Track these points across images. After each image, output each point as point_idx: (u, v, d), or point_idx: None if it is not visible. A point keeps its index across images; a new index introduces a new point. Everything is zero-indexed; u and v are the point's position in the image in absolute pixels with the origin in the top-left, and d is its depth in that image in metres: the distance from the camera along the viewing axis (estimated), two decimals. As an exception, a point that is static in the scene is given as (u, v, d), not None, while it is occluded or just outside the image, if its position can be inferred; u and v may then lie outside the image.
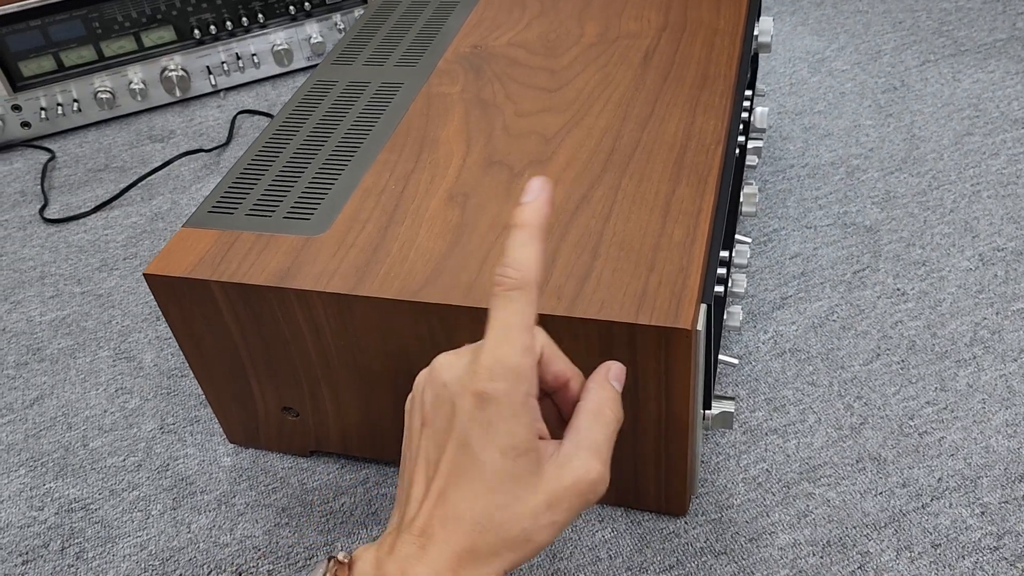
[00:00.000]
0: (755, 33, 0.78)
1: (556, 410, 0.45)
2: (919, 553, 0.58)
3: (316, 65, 1.20)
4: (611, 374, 0.44)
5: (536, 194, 0.39)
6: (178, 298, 0.59)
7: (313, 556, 0.63)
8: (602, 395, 0.43)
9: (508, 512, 0.38)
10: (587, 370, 0.53)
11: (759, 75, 1.07)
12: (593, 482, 0.39)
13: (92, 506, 0.68)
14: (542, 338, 0.43)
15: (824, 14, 1.18)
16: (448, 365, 0.40)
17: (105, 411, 0.76)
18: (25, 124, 1.11)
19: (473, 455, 0.38)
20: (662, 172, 0.60)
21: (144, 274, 0.59)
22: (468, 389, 0.38)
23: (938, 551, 0.58)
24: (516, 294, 0.38)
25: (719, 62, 0.71)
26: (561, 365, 0.44)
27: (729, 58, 0.71)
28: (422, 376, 0.42)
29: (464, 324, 0.54)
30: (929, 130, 0.94)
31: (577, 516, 0.39)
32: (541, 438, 0.40)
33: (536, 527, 0.38)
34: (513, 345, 0.37)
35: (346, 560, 0.40)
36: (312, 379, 0.62)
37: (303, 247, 0.58)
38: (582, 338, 0.52)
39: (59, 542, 0.66)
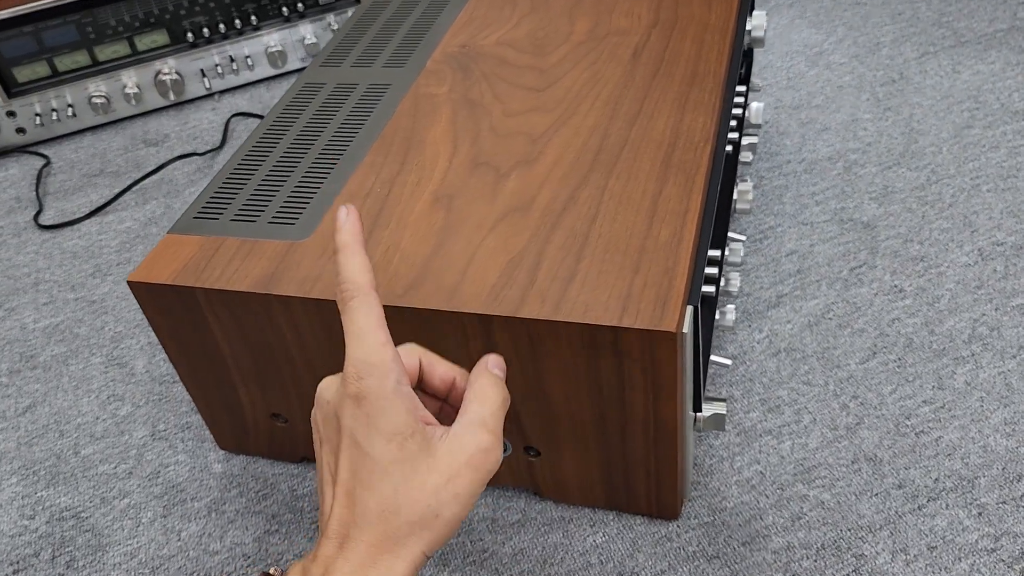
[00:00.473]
0: (748, 28, 0.77)
1: (453, 411, 0.46)
2: (915, 556, 0.57)
3: (311, 66, 1.20)
4: (489, 363, 0.45)
5: (343, 221, 0.42)
6: (163, 305, 0.59)
7: (303, 563, 0.62)
8: (483, 380, 0.44)
9: (407, 494, 0.40)
10: (572, 374, 0.53)
11: (754, 70, 1.06)
12: (485, 451, 0.41)
13: (83, 514, 0.68)
14: (418, 349, 0.46)
15: (822, 6, 1.17)
16: (327, 385, 0.43)
17: (97, 418, 0.75)
18: (20, 130, 1.11)
19: (362, 450, 0.40)
20: (649, 171, 0.60)
21: (128, 281, 0.58)
22: (343, 396, 0.41)
23: (934, 553, 0.57)
24: (355, 302, 0.41)
25: (709, 58, 0.70)
26: (443, 367, 0.46)
27: (719, 54, 0.70)
28: (315, 406, 0.45)
29: (448, 328, 0.53)
30: (928, 123, 0.93)
31: (480, 487, 0.41)
32: (429, 424, 0.42)
33: (440, 502, 0.40)
34: (368, 344, 0.41)
35: (276, 573, 0.43)
36: (299, 385, 0.61)
37: (287, 253, 0.58)
38: (566, 342, 0.51)
39: (50, 551, 0.65)
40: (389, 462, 0.40)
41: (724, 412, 0.59)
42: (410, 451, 0.40)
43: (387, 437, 0.40)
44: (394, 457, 0.40)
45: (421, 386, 0.46)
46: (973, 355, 0.69)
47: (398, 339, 0.54)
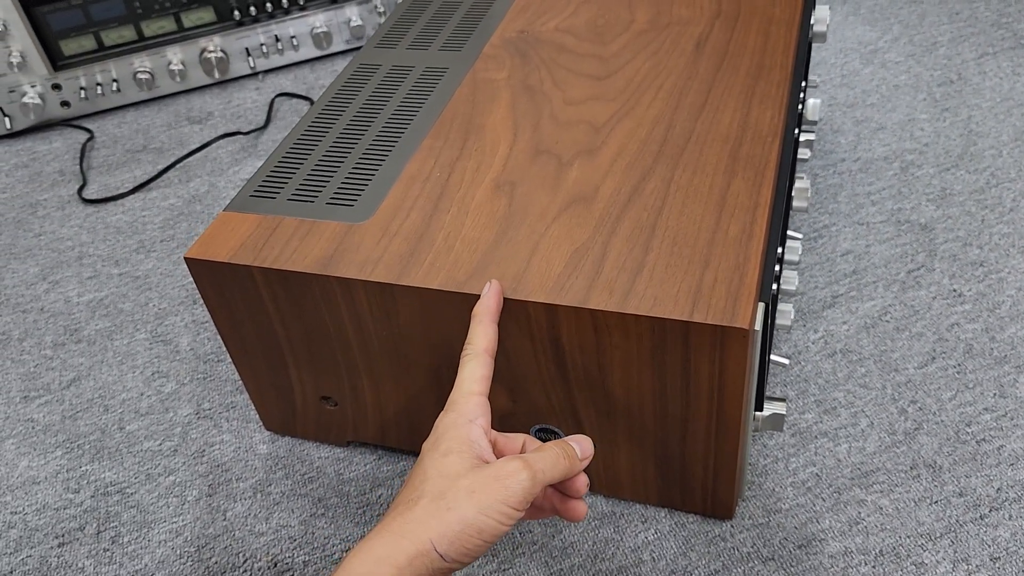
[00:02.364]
0: (811, 22, 0.76)
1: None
2: (977, 566, 0.56)
3: (355, 48, 1.19)
4: (581, 446, 0.49)
5: (485, 294, 0.51)
6: (218, 283, 0.58)
7: (349, 548, 0.62)
8: (565, 447, 0.48)
9: (435, 477, 0.45)
10: (635, 367, 0.52)
11: (811, 65, 1.04)
12: (508, 473, 0.45)
13: (128, 490, 0.67)
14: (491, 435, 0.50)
15: (877, 3, 1.14)
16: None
17: (142, 394, 0.75)
18: (65, 103, 1.11)
19: (422, 464, 0.47)
20: (716, 164, 0.58)
21: (185, 258, 0.58)
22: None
23: (997, 564, 0.56)
24: (469, 359, 0.50)
25: (775, 51, 0.69)
26: (514, 448, 0.51)
27: (786, 47, 0.69)
28: None
29: (510, 317, 0.52)
30: (987, 126, 0.91)
31: (499, 504, 0.44)
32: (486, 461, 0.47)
33: (456, 496, 0.44)
34: (461, 390, 0.49)
35: None
36: (352, 369, 0.61)
37: (346, 234, 0.57)
38: (633, 334, 0.50)
39: (95, 525, 0.65)
40: (431, 463, 0.46)
41: (783, 412, 0.57)
42: (452, 461, 0.46)
43: (441, 453, 0.46)
44: (437, 463, 0.46)
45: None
46: (1035, 364, 0.68)
47: (460, 326, 0.54)
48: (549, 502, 0.51)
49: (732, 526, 0.60)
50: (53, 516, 0.66)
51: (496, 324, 0.51)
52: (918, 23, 1.09)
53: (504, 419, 0.59)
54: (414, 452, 0.67)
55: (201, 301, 0.83)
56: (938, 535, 0.58)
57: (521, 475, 0.45)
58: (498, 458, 0.48)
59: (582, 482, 0.49)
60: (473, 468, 0.45)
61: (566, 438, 0.49)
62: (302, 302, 0.57)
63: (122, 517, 0.66)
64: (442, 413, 0.49)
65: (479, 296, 0.52)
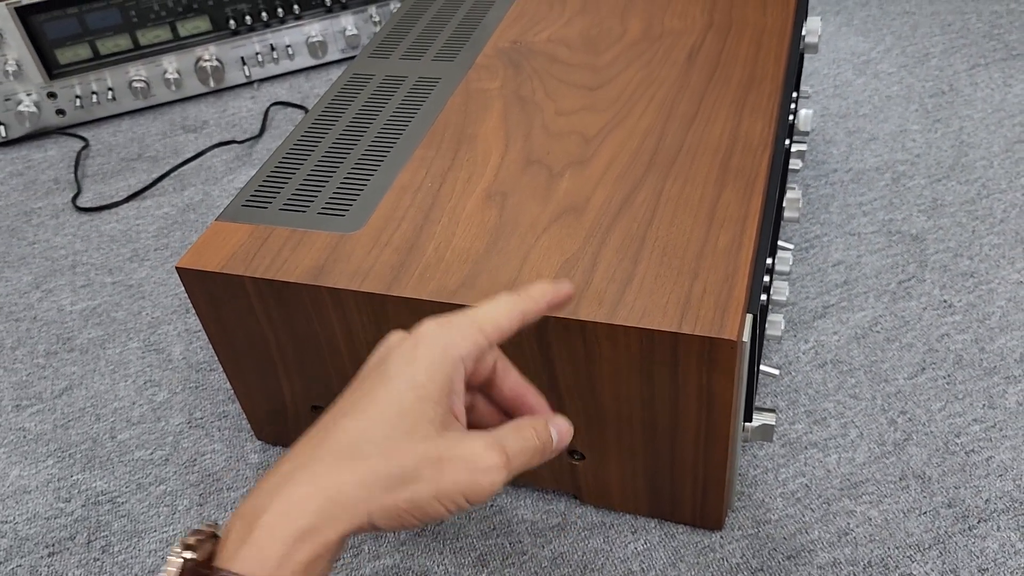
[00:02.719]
0: (802, 33, 0.76)
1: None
2: (965, 577, 0.56)
3: (350, 58, 1.20)
4: (558, 423, 0.43)
5: (558, 286, 0.45)
6: (210, 293, 0.59)
7: (339, 560, 0.62)
8: (539, 422, 0.42)
9: (391, 443, 0.38)
10: (625, 378, 0.52)
11: (803, 76, 1.05)
12: (484, 469, 0.38)
13: (119, 499, 0.67)
14: (498, 351, 0.45)
15: (870, 14, 1.15)
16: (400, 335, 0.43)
17: (134, 403, 0.75)
18: (60, 111, 1.11)
19: (385, 377, 0.39)
20: (707, 175, 0.59)
21: (176, 267, 0.58)
22: (410, 334, 0.41)
23: (985, 576, 0.56)
24: (502, 296, 0.43)
25: (766, 62, 0.69)
26: (515, 378, 0.45)
27: (777, 58, 0.69)
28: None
29: (501, 328, 0.52)
30: (979, 136, 0.92)
31: (458, 497, 0.38)
32: (456, 414, 0.41)
33: (417, 473, 0.37)
34: (470, 315, 0.41)
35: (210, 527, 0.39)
36: (343, 379, 0.61)
37: (337, 244, 0.57)
38: (622, 345, 0.50)
39: (85, 535, 0.65)
40: (393, 406, 0.38)
41: (773, 423, 0.58)
42: (420, 412, 0.38)
43: (410, 382, 0.39)
44: (402, 405, 0.38)
45: (488, 389, 0.45)
46: (1025, 374, 0.68)
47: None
48: None
49: (722, 537, 0.60)
50: (44, 525, 0.66)
51: (540, 310, 0.44)
52: (910, 34, 1.10)
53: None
54: (405, 462, 0.67)
55: (194, 310, 0.83)
56: (927, 546, 0.58)
57: (497, 475, 0.38)
58: (489, 391, 0.44)
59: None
60: (440, 429, 0.38)
61: (550, 420, 0.43)
62: (293, 312, 0.57)
63: (113, 527, 0.65)
64: (431, 320, 0.41)
65: (469, 307, 0.52)
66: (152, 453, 0.71)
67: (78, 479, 0.69)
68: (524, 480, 0.63)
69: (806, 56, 1.09)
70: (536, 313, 0.44)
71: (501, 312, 0.42)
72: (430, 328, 0.41)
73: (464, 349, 0.40)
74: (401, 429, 0.38)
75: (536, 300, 0.44)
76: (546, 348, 0.52)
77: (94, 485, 0.69)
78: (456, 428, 0.40)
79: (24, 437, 0.73)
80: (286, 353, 0.61)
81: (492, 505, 0.64)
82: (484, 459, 0.38)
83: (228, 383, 0.75)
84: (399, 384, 0.39)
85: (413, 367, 0.39)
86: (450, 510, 0.38)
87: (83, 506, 0.67)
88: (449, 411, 0.39)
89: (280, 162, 0.66)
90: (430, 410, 0.39)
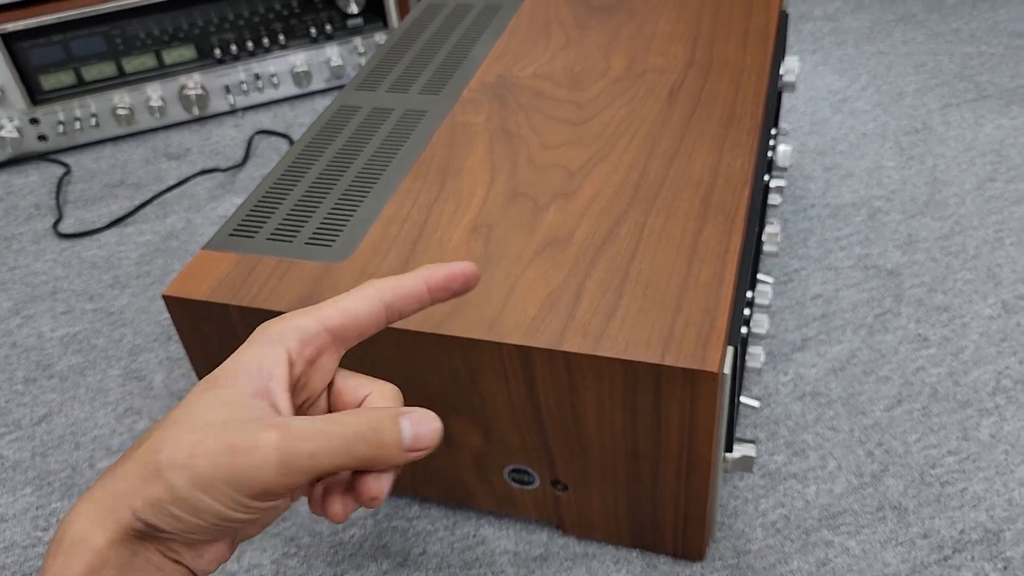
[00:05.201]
0: (780, 72, 0.78)
1: None
2: (942, 608, 0.57)
3: (335, 87, 1.21)
4: (415, 415, 0.36)
5: (454, 265, 0.40)
6: (196, 321, 0.59)
7: (321, 589, 0.62)
8: (371, 412, 0.35)
9: (160, 431, 0.34)
10: (608, 409, 0.53)
11: (781, 113, 1.07)
12: (246, 448, 0.32)
13: (97, 529, 0.67)
14: (334, 355, 0.39)
15: (846, 54, 1.18)
16: None
17: (113, 431, 0.75)
18: (42, 137, 1.11)
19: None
20: (689, 210, 0.60)
21: (163, 295, 0.58)
22: None
23: (961, 607, 0.57)
24: (359, 287, 0.39)
25: (746, 100, 0.70)
26: (361, 382, 0.40)
27: (756, 96, 0.71)
28: None
29: (486, 359, 0.53)
30: (951, 174, 0.94)
31: (222, 486, 0.32)
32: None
33: (173, 458, 0.32)
34: (304, 308, 0.38)
35: None
36: (327, 408, 0.61)
37: (324, 274, 0.58)
38: (606, 377, 0.51)
39: (62, 565, 0.64)
40: (194, 390, 0.35)
41: (753, 454, 0.58)
42: (206, 398, 0.34)
43: (208, 380, 0.35)
44: (195, 395, 0.34)
45: (331, 396, 0.40)
46: (998, 407, 0.69)
47: (436, 367, 0.54)
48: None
49: (703, 567, 0.61)
50: (21, 554, 0.65)
51: (425, 289, 0.39)
52: (885, 73, 1.13)
53: (478, 458, 0.60)
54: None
55: (175, 338, 0.83)
56: (904, 577, 0.59)
57: (263, 455, 0.32)
58: (331, 410, 0.38)
59: (371, 488, 0.36)
60: (225, 416, 0.33)
61: (401, 412, 0.35)
62: (279, 341, 0.57)
63: (91, 556, 0.65)
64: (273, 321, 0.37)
65: (456, 337, 0.52)
66: (132, 482, 0.70)
67: (56, 508, 0.69)
68: (506, 510, 0.63)
69: (784, 94, 1.11)
70: (414, 295, 0.39)
71: (349, 296, 0.38)
72: (263, 324, 0.38)
73: (284, 332, 0.36)
74: (173, 416, 0.34)
75: (407, 280, 0.39)
76: (531, 379, 0.53)
77: (72, 514, 0.68)
78: (251, 410, 0.34)
79: (2, 465, 0.72)
80: (271, 382, 0.61)
81: (474, 535, 0.64)
82: (251, 438, 0.32)
83: (210, 411, 0.75)
84: (202, 382, 0.36)
85: (226, 362, 0.36)
86: (226, 505, 0.32)
87: (61, 535, 0.66)
88: (245, 394, 0.34)
89: (267, 192, 0.66)
90: (213, 395, 0.34)
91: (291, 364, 0.36)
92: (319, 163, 0.69)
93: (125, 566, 0.32)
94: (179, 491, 0.32)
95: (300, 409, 0.39)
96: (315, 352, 0.38)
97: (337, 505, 0.37)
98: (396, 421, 0.35)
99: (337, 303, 0.38)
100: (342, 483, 0.38)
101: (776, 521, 0.63)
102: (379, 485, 0.36)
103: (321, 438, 0.33)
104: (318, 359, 0.38)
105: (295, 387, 0.38)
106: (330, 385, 0.40)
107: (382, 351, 0.55)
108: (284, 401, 0.35)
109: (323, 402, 0.40)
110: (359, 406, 0.39)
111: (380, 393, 0.39)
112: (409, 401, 0.58)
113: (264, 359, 0.35)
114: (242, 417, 0.33)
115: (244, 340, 0.58)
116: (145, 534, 0.33)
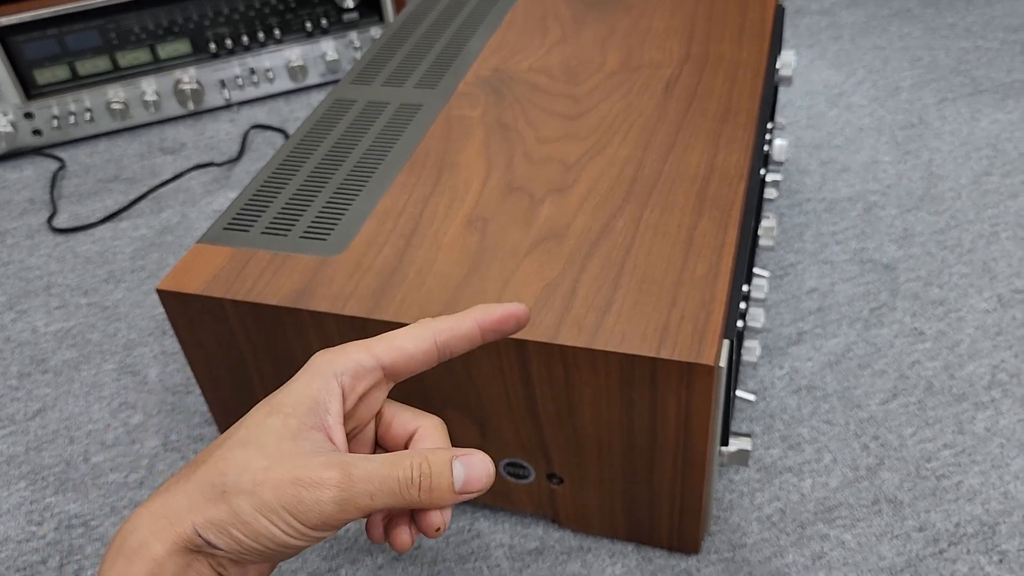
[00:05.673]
0: (776, 67, 0.78)
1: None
2: (937, 601, 0.57)
3: (330, 82, 1.20)
4: (471, 459, 0.38)
5: (508, 307, 0.42)
6: (190, 315, 0.59)
7: (317, 583, 0.61)
8: (423, 454, 0.37)
9: (224, 452, 0.36)
10: (604, 402, 0.52)
11: (777, 107, 1.07)
12: (310, 483, 0.34)
13: (92, 523, 0.67)
14: (384, 389, 0.41)
15: (842, 48, 1.18)
16: None
17: (108, 426, 0.74)
18: (36, 132, 1.10)
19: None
20: (684, 204, 0.60)
21: (157, 289, 0.58)
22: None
23: (956, 599, 0.57)
24: (416, 324, 0.41)
25: (741, 95, 0.70)
26: (409, 418, 0.42)
27: (752, 91, 0.71)
28: None
29: (481, 353, 0.53)
30: (947, 168, 0.94)
31: (282, 512, 0.34)
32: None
33: (240, 482, 0.34)
34: (366, 340, 0.40)
35: None
36: (322, 402, 0.61)
37: (319, 268, 0.58)
38: (602, 370, 0.51)
39: (58, 559, 0.64)
40: (249, 420, 0.37)
41: (749, 448, 0.58)
42: (269, 424, 0.36)
43: (270, 405, 0.37)
44: (255, 419, 0.37)
45: (380, 430, 0.42)
46: (993, 401, 0.69)
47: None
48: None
49: (698, 560, 0.61)
50: (15, 549, 0.65)
51: (477, 331, 0.41)
52: (881, 67, 1.13)
53: (474, 453, 0.60)
54: (383, 486, 0.67)
55: (170, 332, 0.82)
56: (899, 569, 0.59)
57: (325, 493, 0.34)
58: (378, 445, 0.40)
59: (434, 521, 0.38)
60: (289, 447, 0.35)
61: (455, 453, 0.37)
62: (274, 335, 0.57)
63: (86, 550, 0.65)
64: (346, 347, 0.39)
65: (450, 331, 0.52)
66: (127, 476, 0.70)
67: (51, 502, 0.69)
68: (501, 504, 0.63)
69: (780, 88, 1.11)
70: (466, 336, 0.41)
71: (404, 333, 0.40)
72: (319, 353, 0.40)
73: (340, 365, 0.38)
74: (237, 439, 0.36)
75: (461, 322, 0.41)
76: (526, 373, 0.53)
77: (67, 508, 0.68)
78: (312, 442, 0.36)
79: (-4, 460, 0.72)
80: (266, 376, 0.61)
81: (469, 529, 0.64)
82: (315, 474, 0.35)
83: (205, 405, 0.75)
84: (262, 405, 0.38)
85: (285, 389, 0.38)
86: (285, 532, 0.35)
87: (56, 529, 0.66)
88: (305, 425, 0.37)
89: (262, 186, 0.66)
90: (278, 423, 0.36)
91: (344, 398, 0.39)
92: (314, 157, 0.69)
93: (179, 575, 0.35)
94: (243, 515, 0.34)
95: (348, 436, 0.41)
96: (367, 387, 0.40)
97: (405, 536, 0.40)
98: (447, 465, 0.37)
99: (393, 340, 0.40)
100: (406, 513, 0.40)
101: (772, 515, 0.63)
102: (442, 518, 0.38)
103: (379, 480, 0.36)
104: (368, 393, 0.40)
105: (345, 417, 0.40)
106: (378, 415, 0.42)
107: (377, 345, 0.55)
108: (340, 436, 0.38)
109: (370, 431, 0.42)
110: (408, 439, 0.41)
111: (428, 428, 0.41)
112: (403, 393, 0.58)
113: (321, 392, 0.38)
114: (305, 449, 0.36)
115: (239, 334, 0.58)
116: (200, 548, 0.35)
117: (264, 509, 0.34)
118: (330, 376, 0.38)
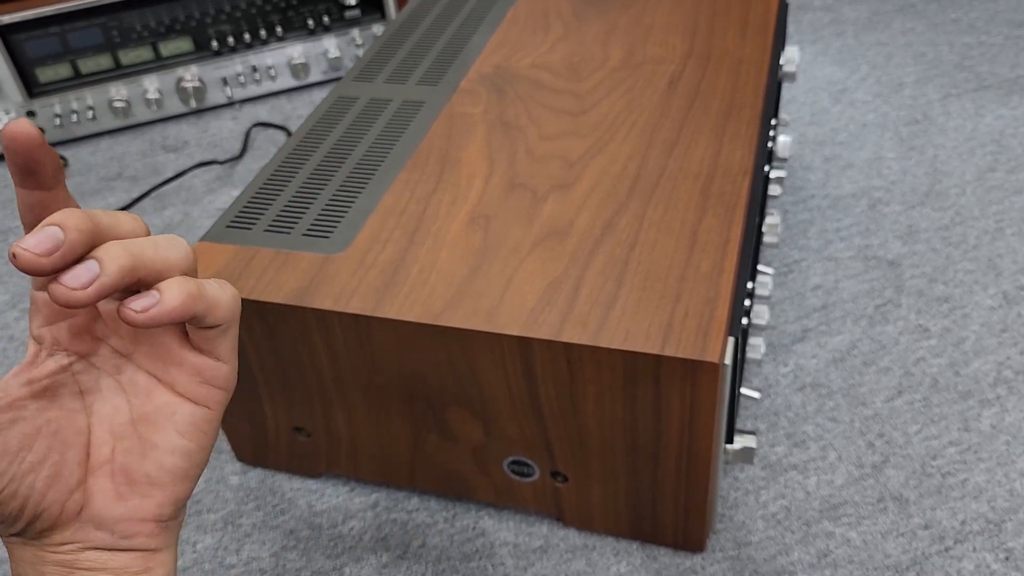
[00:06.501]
0: (780, 63, 0.78)
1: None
2: (943, 599, 0.57)
3: (332, 79, 1.20)
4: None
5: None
6: (193, 314, 0.58)
7: (320, 581, 0.61)
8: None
9: None
10: (608, 400, 0.52)
11: (781, 104, 1.06)
12: None
13: (95, 522, 0.67)
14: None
15: (845, 44, 1.17)
16: None
17: (111, 424, 0.74)
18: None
19: None
20: (688, 201, 0.60)
21: (159, 288, 0.58)
22: None
23: (962, 597, 0.57)
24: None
25: (745, 91, 0.70)
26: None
27: (756, 87, 0.70)
28: None
29: (486, 350, 0.52)
30: (952, 164, 0.94)
31: None
32: None
33: None
34: None
35: None
36: (325, 400, 0.61)
37: (322, 266, 0.57)
38: (606, 368, 0.51)
39: None
40: None
41: (754, 445, 0.58)
42: None
43: None
44: None
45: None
46: (999, 398, 0.69)
47: (435, 359, 0.54)
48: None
49: (703, 559, 0.60)
50: (18, 548, 0.65)
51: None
52: (885, 63, 1.12)
53: (477, 450, 0.60)
54: (387, 484, 0.67)
55: (174, 330, 0.82)
56: (904, 567, 0.59)
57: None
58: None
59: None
60: None
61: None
62: (277, 333, 0.57)
63: None
64: None
65: (455, 328, 0.52)
66: (130, 475, 0.70)
67: (54, 501, 0.68)
68: (506, 502, 0.63)
69: (784, 84, 1.11)
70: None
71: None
72: None
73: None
74: None
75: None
76: (530, 371, 0.53)
77: (71, 507, 0.68)
78: None
79: None
80: (269, 374, 0.61)
81: (474, 527, 0.64)
82: None
83: (208, 404, 0.75)
84: None
85: None
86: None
87: (59, 529, 0.66)
88: None
89: (264, 184, 0.66)
90: None
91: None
92: (316, 155, 0.69)
93: None
94: None
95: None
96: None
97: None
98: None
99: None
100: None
101: (777, 512, 0.63)
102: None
103: None
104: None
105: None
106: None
107: (381, 341, 0.55)
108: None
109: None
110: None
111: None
112: (406, 390, 0.58)
113: None
114: None
115: (242, 332, 0.58)
116: None
117: None
118: None
